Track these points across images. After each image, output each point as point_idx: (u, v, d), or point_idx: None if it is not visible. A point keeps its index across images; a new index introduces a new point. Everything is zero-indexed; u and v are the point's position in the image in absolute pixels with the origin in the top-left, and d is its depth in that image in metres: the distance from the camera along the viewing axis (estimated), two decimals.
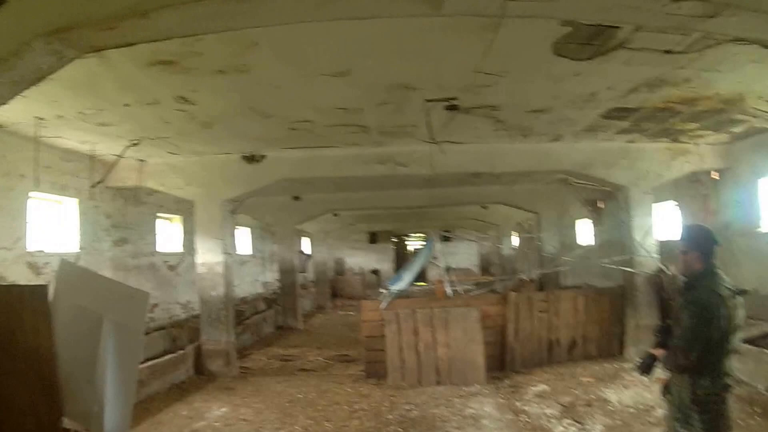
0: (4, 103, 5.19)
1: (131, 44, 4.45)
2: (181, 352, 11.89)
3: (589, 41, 6.03)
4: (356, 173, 12.50)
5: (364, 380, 11.37)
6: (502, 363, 11.59)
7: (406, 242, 43.22)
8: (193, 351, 12.21)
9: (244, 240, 22.43)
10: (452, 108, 8.66)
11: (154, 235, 14.98)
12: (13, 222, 9.53)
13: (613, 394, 9.29)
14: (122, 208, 13.33)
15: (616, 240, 13.25)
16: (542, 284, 18.65)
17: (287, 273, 21.22)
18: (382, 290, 12.77)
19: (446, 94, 8.18)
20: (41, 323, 4.81)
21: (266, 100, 8.39)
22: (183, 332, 13.51)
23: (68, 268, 5.70)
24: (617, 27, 5.64)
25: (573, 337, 12.06)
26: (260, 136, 10.69)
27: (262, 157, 12.22)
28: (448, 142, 10.84)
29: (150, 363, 10.55)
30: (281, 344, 16.67)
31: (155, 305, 13.98)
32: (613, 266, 12.43)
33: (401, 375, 10.92)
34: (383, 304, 11.39)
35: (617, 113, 9.47)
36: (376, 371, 11.33)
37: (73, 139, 10.24)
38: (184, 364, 11.77)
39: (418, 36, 5.94)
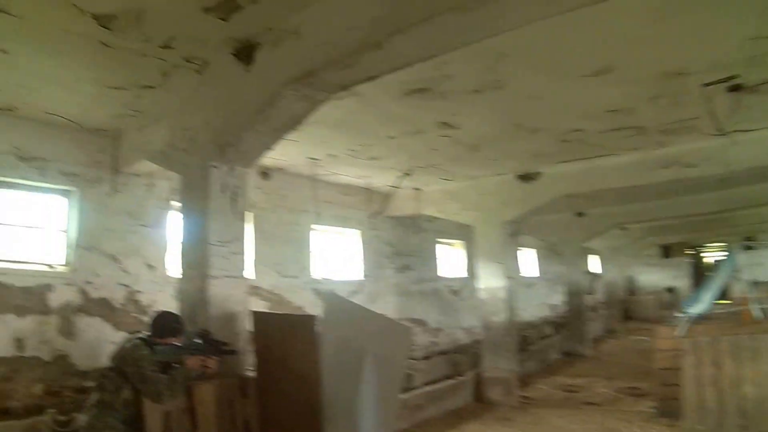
0: (269, 149, 5.59)
1: (374, 77, 4.47)
2: (461, 378, 11.77)
3: None
4: (639, 182, 11.15)
5: (656, 419, 10.16)
6: None
7: (702, 254, 39.50)
8: (473, 378, 12.01)
9: (529, 261, 22.00)
10: (735, 89, 7.11)
11: (436, 260, 15.30)
12: (299, 252, 10.61)
13: None
14: (403, 235, 13.87)
15: None
16: None
17: (574, 295, 20.18)
18: (677, 314, 11.50)
19: (725, 74, 6.76)
20: (310, 351, 5.05)
21: (529, 114, 7.95)
22: (465, 357, 13.40)
23: (334, 299, 5.89)
24: None
25: None
26: (532, 152, 10.20)
27: (537, 174, 11.68)
28: (739, 131, 9.03)
29: (429, 388, 10.60)
30: (567, 372, 15.70)
31: (438, 330, 14.14)
32: None
33: (698, 416, 9.49)
34: (679, 331, 10.15)
35: None
36: (669, 409, 9.93)
37: (350, 174, 10.93)
38: (462, 391, 11.62)
39: (678, 10, 5.08)
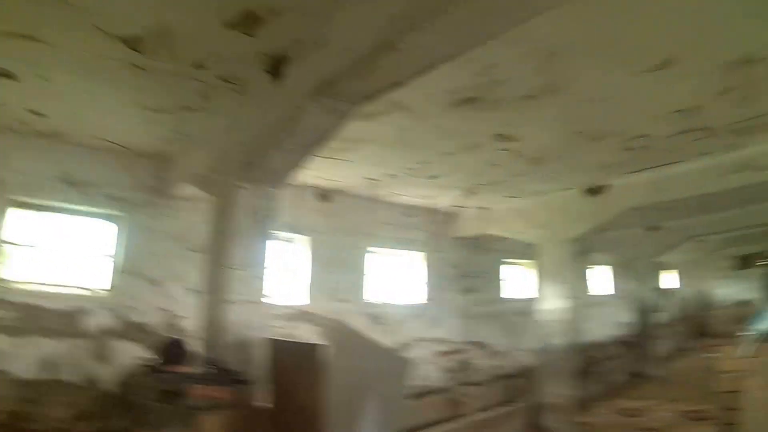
0: (297, 167, 5.41)
1: (400, 83, 4.21)
2: (517, 405, 11.33)
3: None
4: (710, 189, 10.21)
5: None
6: None
7: None
8: (531, 404, 11.46)
9: (601, 279, 21.44)
10: None
11: (501, 281, 14.91)
12: (355, 276, 10.42)
13: None
14: (468, 256, 13.51)
15: None
16: None
17: (644, 312, 19.45)
18: (742, 333, 10.76)
19: None
20: (318, 384, 4.78)
21: (589, 119, 7.43)
22: (524, 382, 12.87)
23: (342, 329, 5.70)
24: None
25: None
26: (597, 163, 9.67)
27: (605, 187, 11.11)
28: None
29: (481, 416, 10.28)
30: (631, 395, 14.88)
31: (500, 352, 13.80)
32: None
33: None
34: (744, 350, 9.42)
35: None
36: None
37: (411, 194, 10.68)
38: (519, 417, 11.12)
39: None
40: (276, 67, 4.70)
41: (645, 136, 8.34)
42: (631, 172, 10.41)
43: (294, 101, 4.43)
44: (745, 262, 34.24)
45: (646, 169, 10.21)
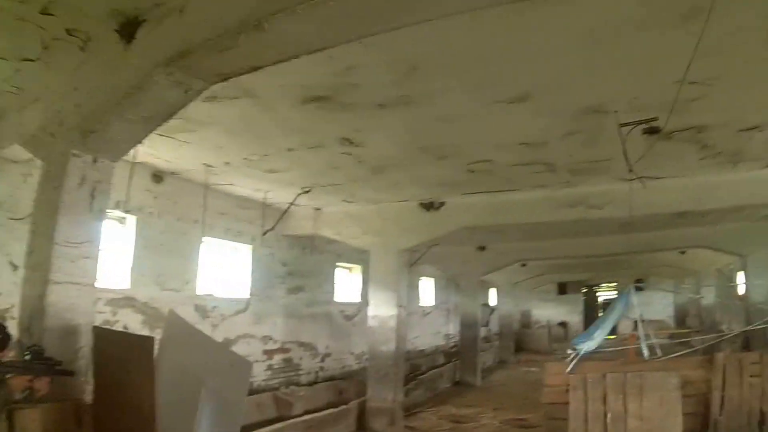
0: (138, 142, 5.05)
1: (258, 67, 4.05)
2: (344, 407, 11.33)
3: None
4: (543, 219, 11.24)
5: None
6: None
7: (597, 293, 40.88)
8: (357, 407, 11.59)
9: (427, 291, 22.25)
10: (652, 131, 7.06)
11: (332, 284, 15.01)
12: (184, 265, 9.88)
13: None
14: (299, 256, 13.45)
15: None
16: (747, 340, 16.26)
17: (469, 326, 20.28)
18: (569, 350, 11.52)
19: (644, 115, 6.68)
20: (145, 379, 4.36)
21: (437, 137, 7.64)
22: (351, 385, 13.15)
23: (176, 321, 5.34)
24: None
25: None
26: (437, 180, 9.98)
27: (441, 204, 11.54)
28: (647, 177, 9.13)
29: (307, 417, 10.14)
30: (455, 402, 15.54)
31: (327, 355, 13.88)
32: None
33: None
34: (569, 368, 10.15)
35: None
36: None
37: (247, 186, 10.40)
38: (345, 420, 11.17)
39: (607, 40, 4.85)
40: (129, 29, 4.28)
41: (488, 161, 8.78)
42: (469, 193, 10.89)
43: (142, 69, 4.08)
44: (565, 287, 36.96)
45: (484, 192, 10.72)
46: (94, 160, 5.02)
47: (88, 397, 4.87)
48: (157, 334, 5.44)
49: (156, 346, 4.54)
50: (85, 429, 4.65)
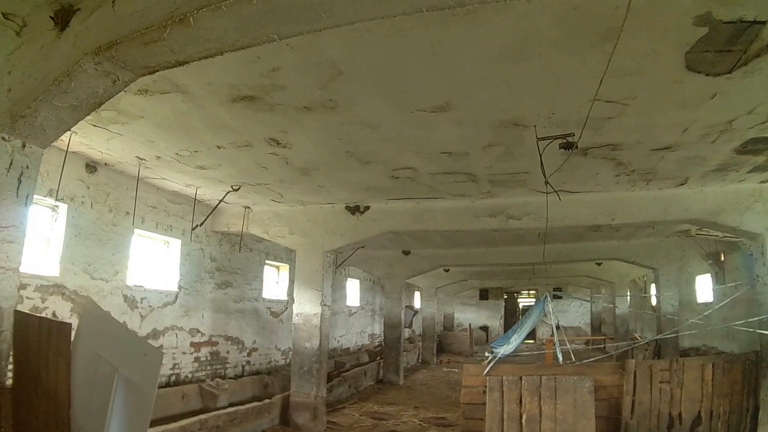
0: (66, 129, 5.08)
1: (184, 62, 4.16)
2: (268, 401, 11.53)
3: (729, 46, 4.91)
4: (465, 227, 11.66)
5: None
6: None
7: (518, 299, 41.97)
8: (281, 401, 11.82)
9: (353, 292, 22.62)
10: (568, 146, 7.23)
11: (261, 281, 15.19)
12: (114, 255, 9.87)
13: None
14: (228, 252, 13.60)
15: (744, 297, 11.67)
16: (659, 347, 17.19)
17: (393, 327, 20.70)
18: (486, 354, 11.86)
19: (562, 131, 7.00)
20: (62, 365, 4.51)
21: (362, 142, 7.83)
22: (277, 380, 13.33)
23: (92, 309, 5.44)
24: (763, 22, 4.51)
25: (698, 412, 10.55)
26: (362, 185, 10.26)
27: (366, 208, 11.90)
28: (564, 191, 9.63)
29: (231, 409, 10.26)
30: (378, 400, 15.91)
31: (254, 350, 13.97)
32: (749, 329, 10.64)
33: None
34: (486, 370, 10.46)
35: (753, 145, 7.84)
36: None
37: (179, 181, 10.43)
38: (269, 414, 11.39)
39: (525, 55, 5.10)
40: (63, 16, 4.36)
41: (411, 169, 9.07)
42: (393, 199, 11.26)
43: (73, 57, 4.16)
44: (486, 293, 37.89)
45: (407, 198, 11.09)
46: (23, 146, 5.02)
47: (9, 381, 4.89)
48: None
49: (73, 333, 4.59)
50: (4, 413, 4.68)
